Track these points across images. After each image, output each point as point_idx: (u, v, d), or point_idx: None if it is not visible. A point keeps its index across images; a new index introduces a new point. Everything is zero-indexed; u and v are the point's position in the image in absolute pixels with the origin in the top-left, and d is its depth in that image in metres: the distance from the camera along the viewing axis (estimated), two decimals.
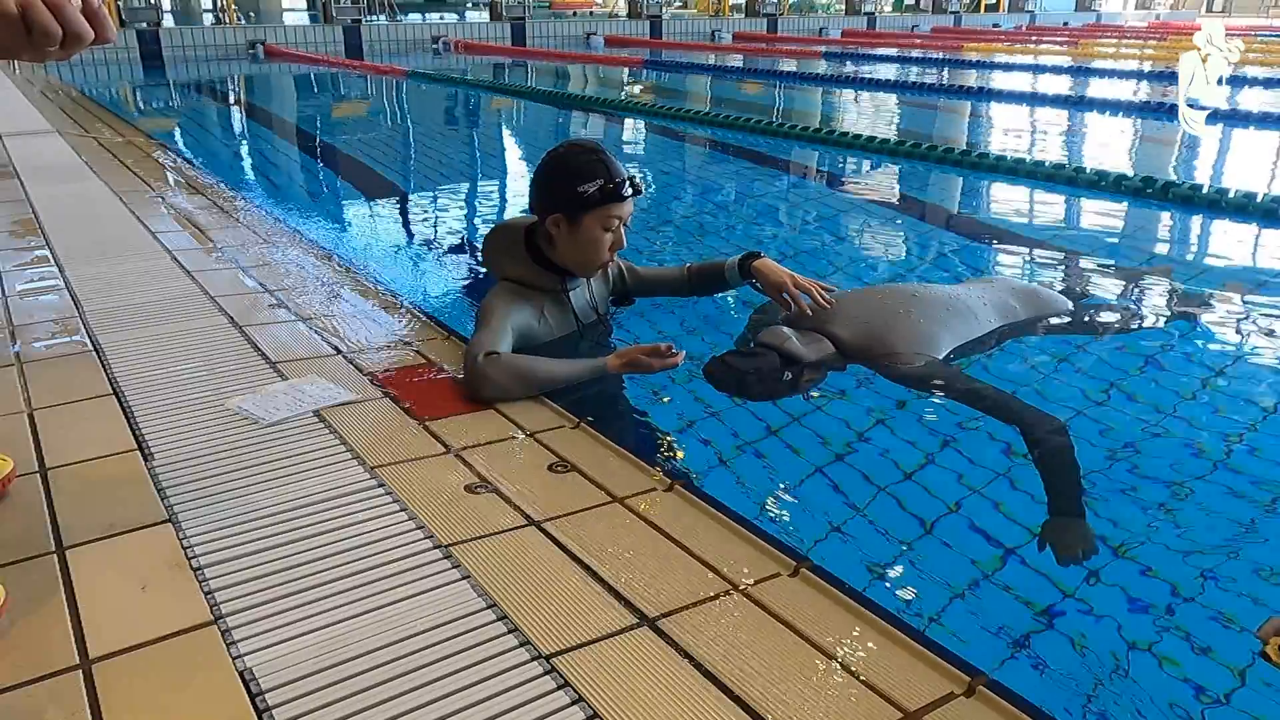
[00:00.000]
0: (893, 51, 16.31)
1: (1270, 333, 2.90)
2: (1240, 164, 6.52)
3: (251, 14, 17.43)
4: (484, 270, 2.87)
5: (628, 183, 2.20)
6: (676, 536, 1.51)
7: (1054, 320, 2.67)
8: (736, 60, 14.79)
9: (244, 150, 7.53)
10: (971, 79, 11.86)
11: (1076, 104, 9.44)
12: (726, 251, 2.65)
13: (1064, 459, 1.91)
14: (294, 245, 3.41)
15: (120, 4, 14.58)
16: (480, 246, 2.50)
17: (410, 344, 2.38)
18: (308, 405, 1.96)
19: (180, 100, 11.05)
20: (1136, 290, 3.33)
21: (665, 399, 2.31)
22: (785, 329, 2.26)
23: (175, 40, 14.79)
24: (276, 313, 2.59)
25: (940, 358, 2.27)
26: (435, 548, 1.46)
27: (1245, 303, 3.17)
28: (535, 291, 2.30)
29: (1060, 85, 11.03)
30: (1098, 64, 12.59)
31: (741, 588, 1.38)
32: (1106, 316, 2.97)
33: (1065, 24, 24.14)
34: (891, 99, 10.34)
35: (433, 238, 4.33)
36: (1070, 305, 2.85)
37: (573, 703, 1.14)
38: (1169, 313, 3.12)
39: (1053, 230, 4.55)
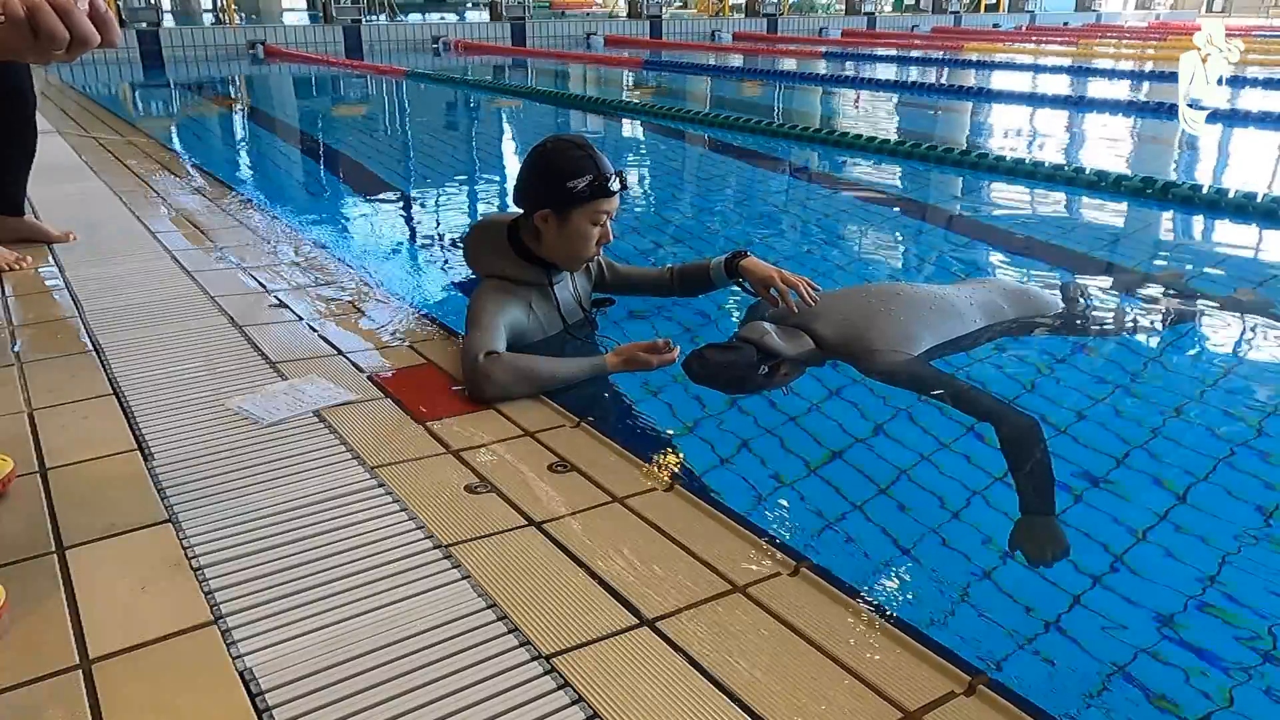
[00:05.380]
0: (893, 51, 16.30)
1: (1269, 335, 2.89)
2: (1240, 164, 6.52)
3: (252, 14, 17.43)
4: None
5: (615, 178, 2.22)
6: (676, 536, 1.51)
7: (1046, 321, 2.67)
8: (737, 60, 14.79)
9: (244, 150, 7.52)
10: (971, 79, 11.86)
11: (1076, 104, 9.43)
12: (725, 252, 2.65)
13: (1035, 457, 1.90)
14: (294, 245, 3.41)
15: (120, 4, 14.57)
16: (462, 245, 2.51)
17: (410, 344, 2.38)
18: (308, 405, 1.96)
19: (180, 100, 11.04)
20: (1133, 292, 3.32)
21: (665, 399, 2.31)
22: (765, 324, 2.28)
23: (175, 40, 14.77)
24: (276, 313, 2.59)
25: (918, 355, 2.27)
26: (435, 548, 1.46)
27: (1244, 304, 3.17)
28: (521, 286, 2.31)
29: (1060, 85, 11.01)
30: (1098, 64, 12.59)
31: (741, 588, 1.38)
32: (1102, 318, 2.96)
33: (1065, 24, 24.12)
34: (891, 99, 10.33)
35: (433, 237, 4.33)
36: (1063, 306, 2.84)
37: (573, 703, 1.14)
38: (1166, 315, 3.11)
39: (1052, 231, 4.54)
